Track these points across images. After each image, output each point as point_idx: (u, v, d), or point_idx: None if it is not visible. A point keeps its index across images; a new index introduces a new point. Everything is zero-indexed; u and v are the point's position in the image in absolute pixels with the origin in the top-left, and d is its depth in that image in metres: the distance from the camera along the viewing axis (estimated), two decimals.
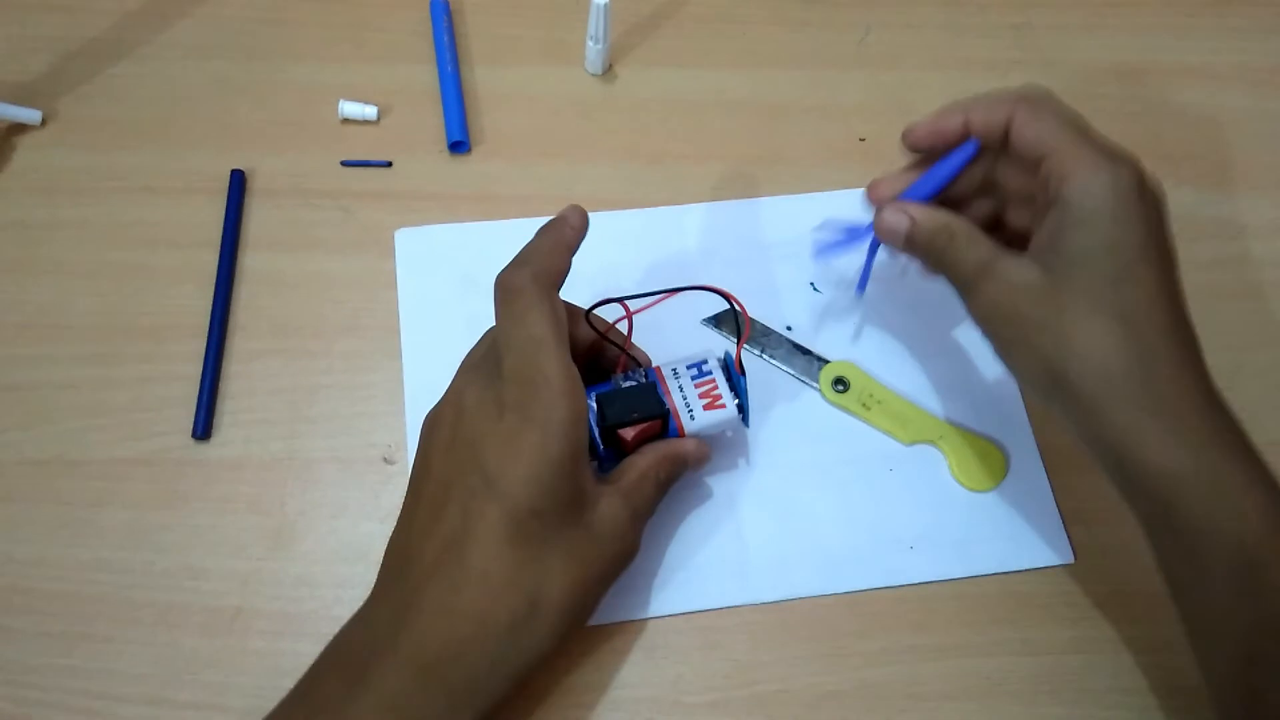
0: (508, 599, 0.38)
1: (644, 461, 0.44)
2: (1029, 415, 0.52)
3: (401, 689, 0.37)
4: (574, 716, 0.45)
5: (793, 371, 0.52)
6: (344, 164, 0.57)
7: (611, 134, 0.59)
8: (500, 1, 0.62)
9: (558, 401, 0.39)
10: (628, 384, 0.46)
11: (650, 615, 0.47)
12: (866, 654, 0.46)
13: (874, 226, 0.46)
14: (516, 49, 0.61)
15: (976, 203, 0.47)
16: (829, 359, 0.53)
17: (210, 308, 0.52)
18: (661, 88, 0.60)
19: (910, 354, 0.53)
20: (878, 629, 0.47)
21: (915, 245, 0.45)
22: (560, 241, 0.43)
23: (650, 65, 0.61)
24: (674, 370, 0.47)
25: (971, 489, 0.50)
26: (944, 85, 0.61)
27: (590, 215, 0.44)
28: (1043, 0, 0.64)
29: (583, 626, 0.42)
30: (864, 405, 0.51)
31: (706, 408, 0.46)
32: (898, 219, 0.45)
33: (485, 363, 0.43)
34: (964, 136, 0.44)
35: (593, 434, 0.44)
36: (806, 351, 0.53)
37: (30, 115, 0.56)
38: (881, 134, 0.59)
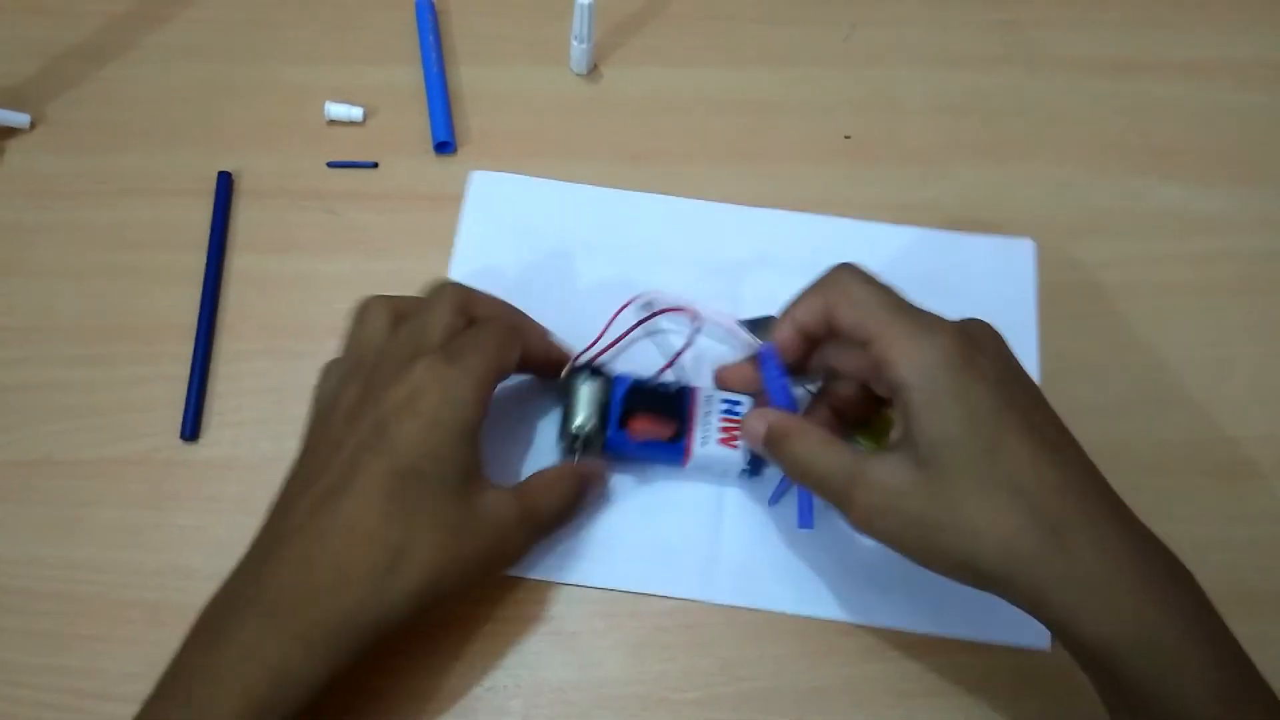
0: (370, 551, 0.39)
1: (550, 472, 0.46)
2: None
3: (258, 639, 0.38)
4: (562, 714, 0.45)
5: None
6: (330, 165, 0.57)
7: (597, 133, 0.59)
8: (485, 1, 0.62)
9: (465, 378, 0.41)
10: (663, 385, 0.47)
11: (601, 586, 0.47)
12: (853, 651, 0.47)
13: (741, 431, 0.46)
14: (501, 49, 0.61)
15: (845, 390, 0.46)
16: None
17: (198, 309, 0.52)
18: (647, 86, 0.60)
19: None
20: (864, 628, 0.47)
21: (774, 453, 0.43)
22: (539, 347, 0.47)
23: (635, 64, 0.61)
24: (709, 396, 0.48)
25: None
26: (929, 81, 0.61)
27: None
28: None
29: (439, 604, 0.40)
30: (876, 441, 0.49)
31: (721, 442, 0.47)
32: (756, 425, 0.44)
33: (414, 322, 0.44)
34: (798, 344, 0.44)
35: (611, 411, 0.46)
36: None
37: (18, 119, 0.56)
38: (867, 131, 0.59)
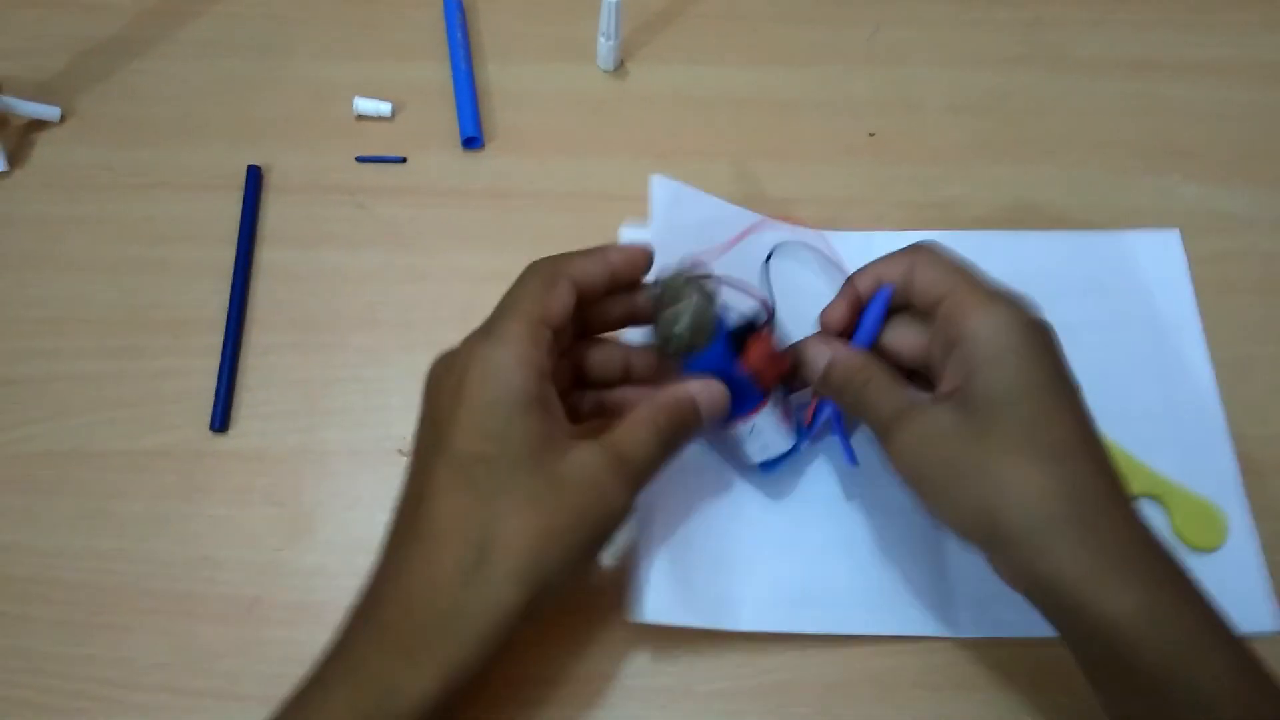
0: (452, 547, 0.37)
1: (641, 410, 0.41)
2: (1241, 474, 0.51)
3: (362, 654, 0.37)
4: (587, 703, 0.45)
5: None
6: (359, 160, 0.57)
7: (623, 129, 0.59)
8: None
9: (500, 348, 0.39)
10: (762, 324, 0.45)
11: (729, 628, 0.46)
12: (875, 644, 0.47)
13: (798, 356, 0.45)
14: (529, 46, 0.61)
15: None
16: None
17: (227, 302, 0.53)
18: (672, 84, 0.61)
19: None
20: None
21: (830, 384, 0.44)
22: (604, 262, 0.43)
23: (661, 61, 0.61)
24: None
25: (1199, 548, 0.48)
26: (952, 80, 0.62)
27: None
28: None
29: (561, 582, 0.38)
30: None
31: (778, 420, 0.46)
32: (818, 352, 0.44)
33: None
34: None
35: (720, 327, 0.43)
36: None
37: (49, 112, 0.57)
38: (891, 129, 0.60)
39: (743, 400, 0.44)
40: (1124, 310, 0.54)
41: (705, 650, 0.46)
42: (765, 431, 0.46)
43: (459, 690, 0.37)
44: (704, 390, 0.43)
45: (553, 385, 0.40)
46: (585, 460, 0.39)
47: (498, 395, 0.38)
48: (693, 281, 0.43)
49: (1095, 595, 0.36)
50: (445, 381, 0.40)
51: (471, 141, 0.57)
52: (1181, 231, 0.57)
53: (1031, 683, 0.46)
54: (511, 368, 0.38)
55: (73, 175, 0.56)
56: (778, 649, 0.46)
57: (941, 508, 0.39)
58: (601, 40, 0.58)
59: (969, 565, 0.46)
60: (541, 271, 0.41)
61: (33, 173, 0.56)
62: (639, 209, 0.56)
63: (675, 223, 0.51)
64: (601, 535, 0.40)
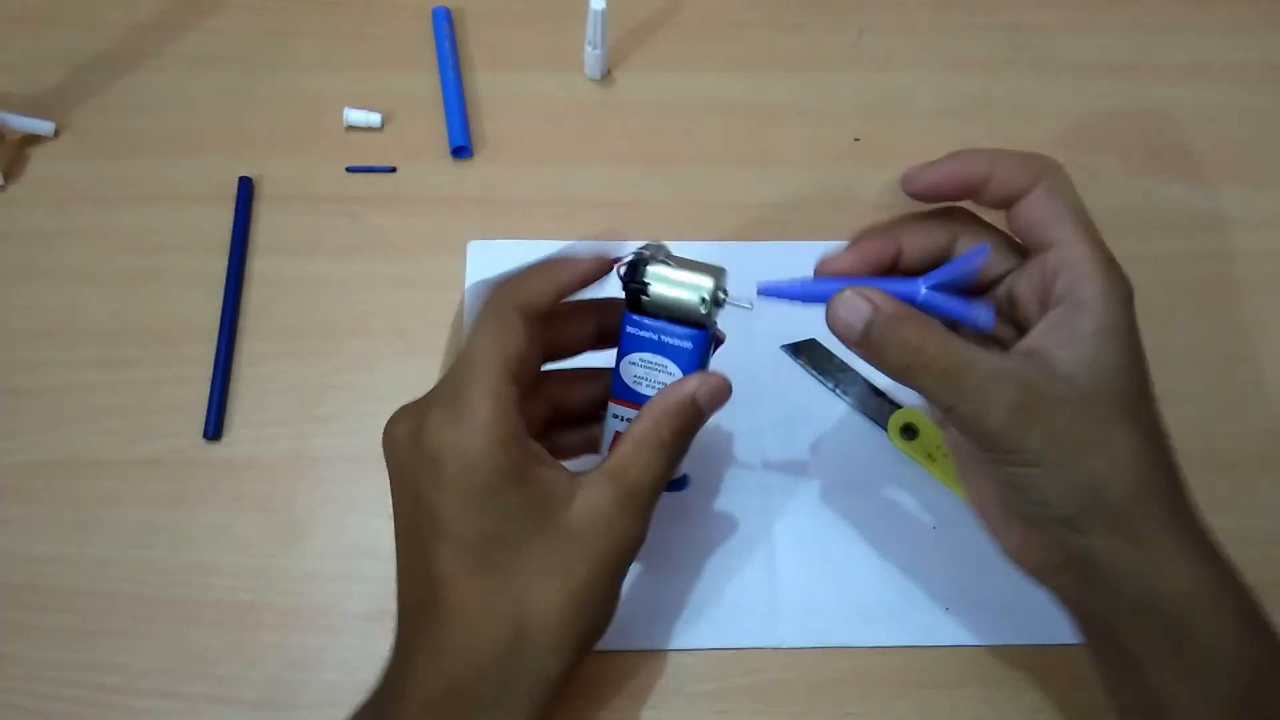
0: (489, 631, 0.37)
1: (638, 426, 0.39)
2: None
3: None
4: (576, 705, 0.45)
5: (865, 412, 0.52)
6: (349, 170, 0.58)
7: (610, 137, 0.60)
8: (500, 9, 0.63)
9: (474, 435, 0.36)
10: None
11: (672, 648, 0.47)
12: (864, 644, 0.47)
13: (828, 312, 0.38)
14: (517, 55, 0.62)
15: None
16: (903, 404, 0.52)
17: (220, 311, 0.53)
18: (659, 91, 0.61)
19: None
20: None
21: (873, 344, 0.37)
22: (551, 278, 0.39)
23: (648, 70, 0.62)
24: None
25: None
26: (937, 84, 0.62)
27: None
28: (1035, 0, 0.65)
29: (600, 625, 0.39)
30: (930, 456, 0.50)
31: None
32: (855, 307, 0.37)
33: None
34: (975, 187, 0.40)
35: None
36: (880, 394, 0.52)
37: (44, 126, 0.57)
38: (876, 133, 0.60)
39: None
40: None
41: (696, 651, 0.47)
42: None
43: None
44: (703, 384, 0.40)
45: (527, 434, 0.38)
46: (592, 503, 0.38)
47: (486, 480, 0.36)
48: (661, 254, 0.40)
49: (1168, 570, 0.36)
50: (418, 460, 0.37)
51: (460, 151, 0.58)
52: (1168, 231, 0.58)
53: (1021, 682, 0.47)
54: (491, 451, 0.36)
55: (66, 188, 0.57)
56: (767, 650, 0.47)
57: (1042, 477, 0.36)
58: (588, 49, 0.59)
59: (941, 575, 0.47)
60: (493, 310, 0.38)
61: (27, 186, 0.57)
62: (626, 214, 0.57)
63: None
64: (623, 569, 0.39)
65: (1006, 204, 0.39)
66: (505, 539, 0.37)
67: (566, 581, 0.37)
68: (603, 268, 0.40)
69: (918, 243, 0.41)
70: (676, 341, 0.40)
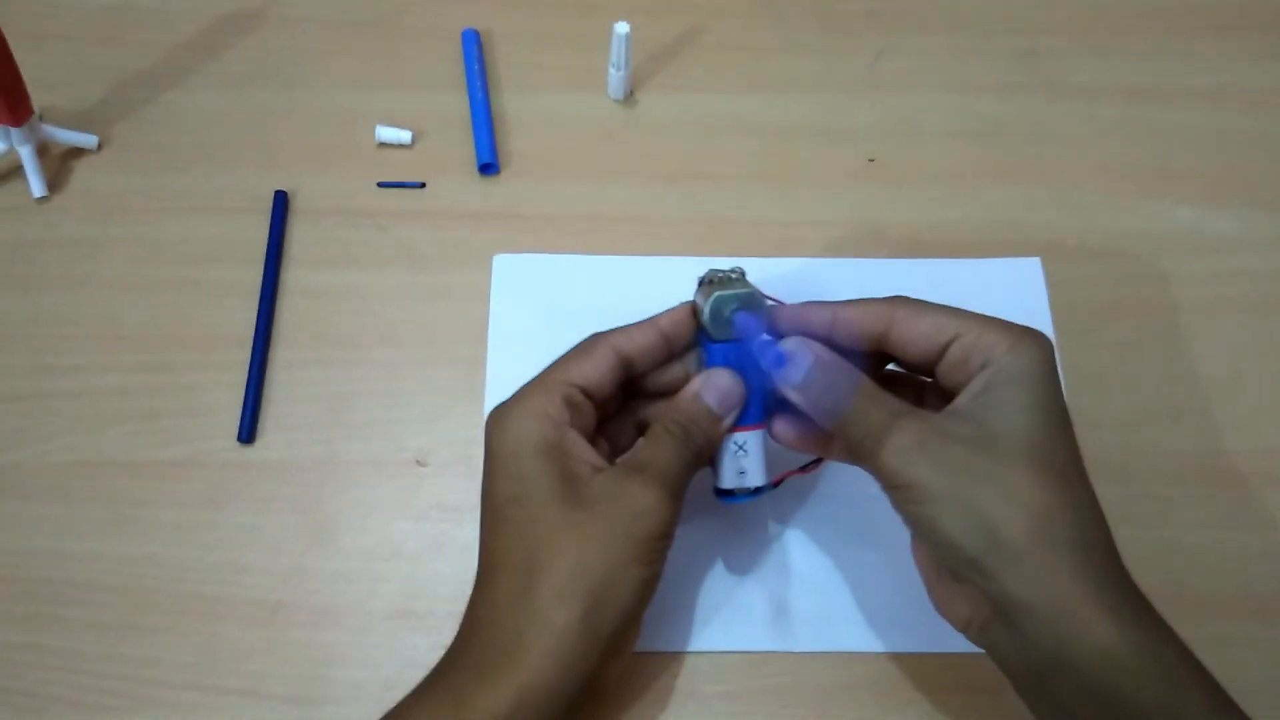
0: (504, 577, 0.40)
1: (653, 425, 0.43)
2: None
3: (443, 673, 0.40)
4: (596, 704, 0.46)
5: None
6: (380, 185, 0.59)
7: (633, 156, 0.61)
8: (528, 31, 0.65)
9: (517, 405, 0.42)
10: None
11: (686, 651, 0.48)
12: (877, 649, 0.48)
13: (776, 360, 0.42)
14: (543, 76, 0.63)
15: None
16: None
17: (255, 320, 0.55)
18: (680, 112, 0.62)
19: None
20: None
21: (811, 388, 0.41)
22: (653, 331, 0.45)
23: (669, 91, 0.63)
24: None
25: None
26: (951, 107, 0.63)
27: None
28: (1048, 26, 0.66)
29: (615, 597, 0.40)
30: None
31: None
32: (801, 352, 0.42)
33: None
34: (827, 330, 0.43)
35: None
36: None
37: (87, 140, 0.59)
38: (890, 154, 0.61)
39: (746, 411, 0.44)
40: None
41: (710, 654, 0.48)
42: (750, 455, 0.44)
43: (539, 712, 0.38)
44: (705, 381, 0.43)
45: (578, 434, 0.42)
46: (606, 479, 0.41)
47: (516, 447, 0.41)
48: (727, 278, 0.45)
49: (1088, 622, 0.35)
50: (485, 437, 0.43)
51: (488, 168, 0.60)
52: (1176, 251, 0.59)
53: None
54: (525, 420, 0.42)
55: (109, 200, 0.58)
56: (779, 654, 0.48)
57: (937, 515, 0.37)
58: (612, 71, 0.61)
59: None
60: (585, 342, 0.44)
61: (71, 198, 0.58)
62: (647, 230, 0.58)
63: (523, 299, 0.56)
64: (639, 541, 0.40)
65: (870, 343, 0.43)
66: (524, 501, 0.41)
67: (571, 539, 0.40)
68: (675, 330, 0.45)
69: (855, 317, 0.43)
70: (722, 358, 0.44)
